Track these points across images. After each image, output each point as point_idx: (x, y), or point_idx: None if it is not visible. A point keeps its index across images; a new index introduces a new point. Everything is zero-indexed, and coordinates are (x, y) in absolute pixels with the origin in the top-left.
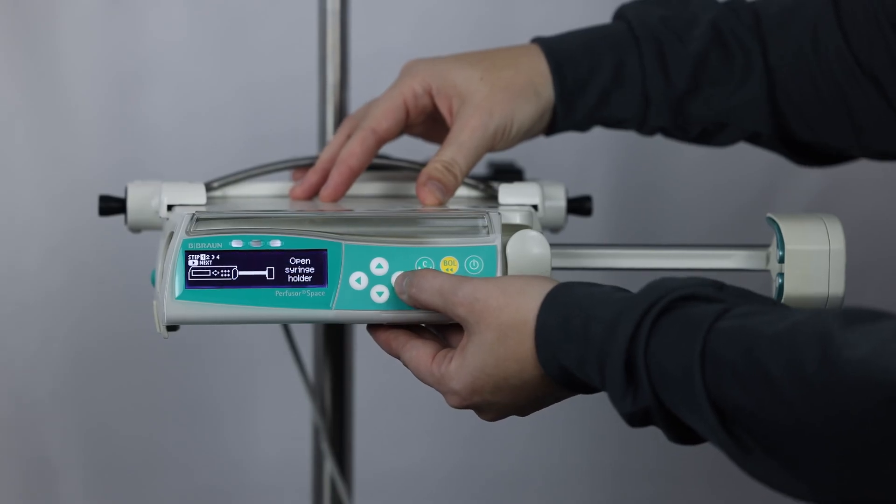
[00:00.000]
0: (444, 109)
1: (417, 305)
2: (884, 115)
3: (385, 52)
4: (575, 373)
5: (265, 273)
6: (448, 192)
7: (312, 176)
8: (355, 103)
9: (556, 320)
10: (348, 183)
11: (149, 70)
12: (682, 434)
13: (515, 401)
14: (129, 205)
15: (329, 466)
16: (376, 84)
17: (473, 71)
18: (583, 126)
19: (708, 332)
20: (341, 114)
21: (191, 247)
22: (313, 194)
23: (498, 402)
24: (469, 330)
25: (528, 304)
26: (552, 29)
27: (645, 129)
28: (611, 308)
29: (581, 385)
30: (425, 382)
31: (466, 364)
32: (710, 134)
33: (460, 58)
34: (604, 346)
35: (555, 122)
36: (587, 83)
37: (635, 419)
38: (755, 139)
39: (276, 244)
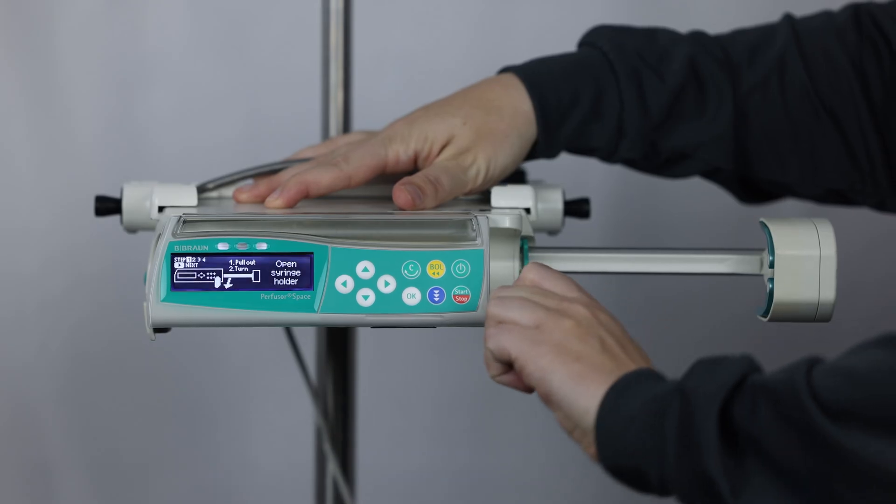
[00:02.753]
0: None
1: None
2: (840, 153)
3: (388, 51)
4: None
5: (251, 276)
6: (425, 200)
7: (264, 188)
8: (358, 103)
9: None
10: (298, 201)
11: (149, 70)
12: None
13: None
14: (125, 205)
15: (331, 468)
16: (379, 84)
17: (455, 119)
18: (554, 155)
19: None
20: (345, 113)
21: (177, 249)
22: (257, 202)
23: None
24: None
25: None
26: (552, 28)
27: (613, 158)
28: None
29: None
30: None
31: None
32: (670, 165)
33: (441, 107)
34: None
35: (532, 153)
36: (567, 116)
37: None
38: (712, 174)
39: (263, 247)
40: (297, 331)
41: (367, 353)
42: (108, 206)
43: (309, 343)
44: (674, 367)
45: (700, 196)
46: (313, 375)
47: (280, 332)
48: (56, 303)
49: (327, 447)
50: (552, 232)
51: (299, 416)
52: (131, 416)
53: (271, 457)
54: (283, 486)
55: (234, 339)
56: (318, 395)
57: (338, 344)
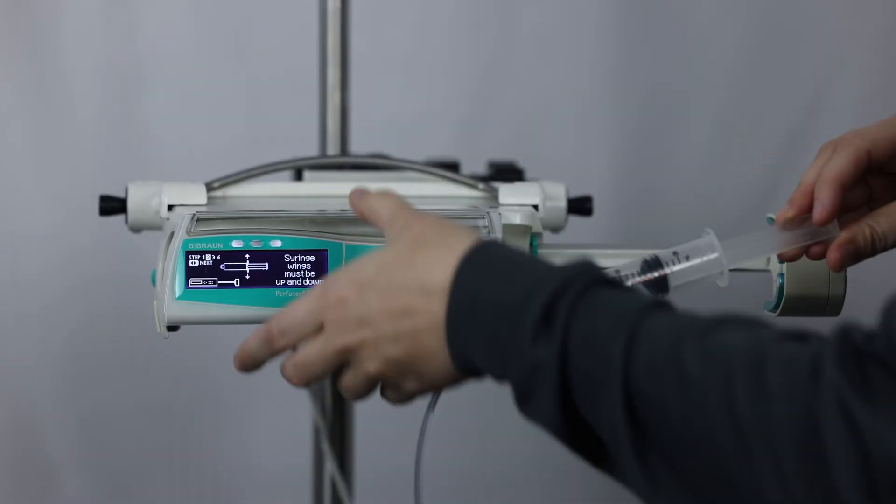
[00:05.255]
0: None
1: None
2: None
3: (385, 52)
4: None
5: (266, 273)
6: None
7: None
8: (356, 103)
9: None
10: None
11: (149, 70)
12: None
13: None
14: (130, 205)
15: (329, 466)
16: (377, 84)
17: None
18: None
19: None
20: (342, 113)
21: (191, 247)
22: (803, 214)
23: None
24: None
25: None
26: (551, 28)
27: None
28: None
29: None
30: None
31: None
32: None
33: None
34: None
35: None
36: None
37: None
38: None
39: (277, 244)
40: None
41: None
42: (112, 205)
43: None
44: None
45: (701, 193)
46: None
47: None
48: (57, 304)
49: (325, 446)
50: (555, 229)
51: (298, 415)
52: (131, 415)
53: (270, 456)
54: (282, 484)
55: (233, 336)
56: (316, 393)
57: None
